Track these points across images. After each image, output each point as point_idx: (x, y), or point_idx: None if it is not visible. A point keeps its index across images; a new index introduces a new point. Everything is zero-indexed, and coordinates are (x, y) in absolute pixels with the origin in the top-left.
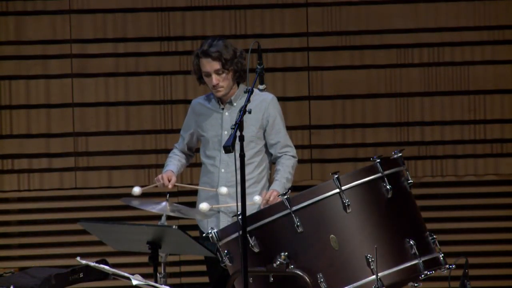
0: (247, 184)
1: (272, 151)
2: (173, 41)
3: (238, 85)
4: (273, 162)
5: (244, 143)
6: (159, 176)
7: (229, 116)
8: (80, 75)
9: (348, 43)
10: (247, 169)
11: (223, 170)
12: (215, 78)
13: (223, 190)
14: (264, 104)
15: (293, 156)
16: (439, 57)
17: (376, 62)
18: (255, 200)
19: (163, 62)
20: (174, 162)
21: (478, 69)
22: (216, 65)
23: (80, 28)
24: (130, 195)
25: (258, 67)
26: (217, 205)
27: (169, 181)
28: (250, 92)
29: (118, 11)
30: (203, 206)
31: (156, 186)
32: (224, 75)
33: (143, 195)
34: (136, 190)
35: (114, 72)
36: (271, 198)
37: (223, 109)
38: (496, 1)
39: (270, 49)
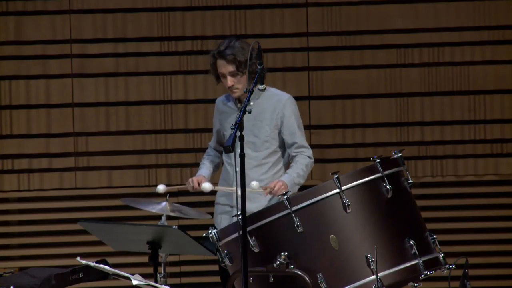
0: (261, 183)
1: (288, 151)
2: (173, 41)
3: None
4: (290, 162)
5: (259, 143)
6: (190, 180)
7: (246, 115)
8: (80, 75)
9: (348, 43)
10: (262, 169)
11: (238, 169)
12: (230, 80)
13: (254, 184)
14: (279, 105)
15: (308, 157)
16: (439, 57)
17: (376, 62)
18: (252, 185)
19: (163, 62)
20: (207, 165)
21: (478, 69)
22: (231, 68)
23: (80, 28)
24: (130, 195)
25: (258, 67)
26: (224, 188)
27: (199, 184)
28: (250, 92)
29: (118, 11)
30: (206, 185)
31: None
32: (238, 77)
33: (144, 195)
34: (161, 187)
35: (114, 72)
36: (275, 188)
37: (240, 107)
38: (496, 1)
39: (270, 49)
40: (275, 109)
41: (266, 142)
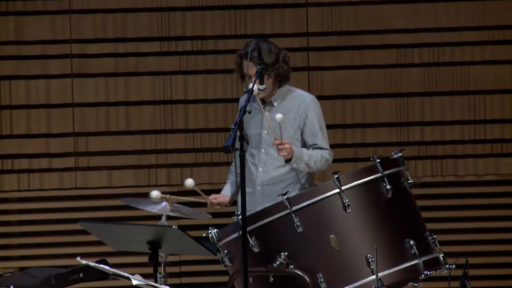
0: (284, 184)
1: None
2: (173, 41)
3: (280, 86)
4: None
5: None
6: (210, 197)
7: (270, 115)
8: (80, 75)
9: (348, 43)
10: (285, 169)
11: (261, 169)
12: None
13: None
14: (302, 106)
15: (328, 154)
16: (439, 57)
17: (376, 62)
18: (278, 117)
19: (163, 62)
20: (232, 180)
21: (478, 69)
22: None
23: (80, 28)
24: (130, 195)
25: (258, 67)
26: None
27: (218, 203)
28: (250, 92)
29: (118, 11)
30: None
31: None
32: (264, 79)
33: (144, 195)
34: (189, 181)
35: (114, 72)
36: (285, 145)
37: (264, 108)
38: (496, 1)
39: None
40: (298, 110)
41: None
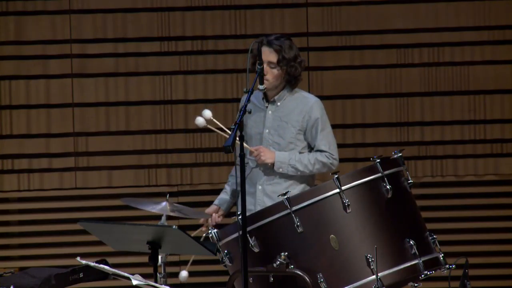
0: (284, 184)
1: None
2: (173, 41)
3: (285, 87)
4: None
5: (284, 143)
6: (208, 219)
7: (272, 115)
8: (80, 75)
9: (348, 43)
10: None
11: (262, 169)
12: (265, 69)
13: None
14: (306, 108)
15: (327, 156)
16: (439, 57)
17: (376, 62)
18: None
19: (163, 62)
20: (227, 190)
21: (478, 69)
22: (272, 57)
23: (80, 28)
24: (130, 195)
25: (258, 67)
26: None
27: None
28: (250, 92)
29: (118, 11)
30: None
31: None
32: (275, 70)
33: (144, 195)
34: (184, 274)
35: (114, 72)
36: (258, 150)
37: (267, 107)
38: (496, 1)
39: None
40: (301, 111)
41: (291, 143)
